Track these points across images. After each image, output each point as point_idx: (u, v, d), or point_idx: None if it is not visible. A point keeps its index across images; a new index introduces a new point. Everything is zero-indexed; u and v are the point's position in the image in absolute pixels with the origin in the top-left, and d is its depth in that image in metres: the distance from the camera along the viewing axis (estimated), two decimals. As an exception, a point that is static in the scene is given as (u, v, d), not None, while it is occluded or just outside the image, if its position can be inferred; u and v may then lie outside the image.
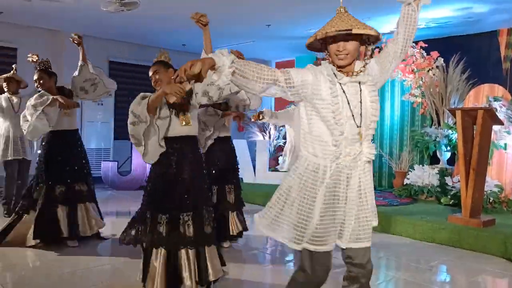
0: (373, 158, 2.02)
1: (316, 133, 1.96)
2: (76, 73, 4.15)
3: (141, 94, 2.81)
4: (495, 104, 5.49)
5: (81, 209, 4.13)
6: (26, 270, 3.45)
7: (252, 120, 4.49)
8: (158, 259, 2.85)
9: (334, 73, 1.96)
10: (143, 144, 2.82)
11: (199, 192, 3.01)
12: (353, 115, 1.94)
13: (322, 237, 1.95)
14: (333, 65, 1.98)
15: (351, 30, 1.86)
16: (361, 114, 1.95)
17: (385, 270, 3.69)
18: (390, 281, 3.46)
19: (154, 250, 2.87)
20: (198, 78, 1.83)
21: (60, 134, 4.09)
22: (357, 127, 1.94)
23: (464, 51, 6.56)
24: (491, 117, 4.55)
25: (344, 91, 1.95)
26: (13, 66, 5.38)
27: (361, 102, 1.96)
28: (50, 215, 3.93)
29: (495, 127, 5.13)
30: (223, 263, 3.10)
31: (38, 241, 3.93)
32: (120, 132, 8.67)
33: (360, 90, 1.98)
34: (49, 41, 7.77)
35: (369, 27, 1.90)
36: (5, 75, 5.26)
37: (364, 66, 1.99)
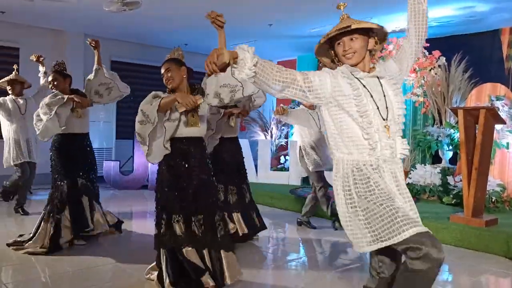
0: (407, 154, 1.98)
1: (346, 131, 1.95)
2: (91, 76, 4.12)
3: (153, 93, 2.79)
4: (497, 103, 5.48)
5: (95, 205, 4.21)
6: (27, 270, 3.45)
7: (273, 115, 4.55)
8: (196, 256, 2.89)
9: (349, 71, 1.97)
10: (147, 144, 2.81)
11: (209, 194, 3.00)
12: (378, 108, 1.92)
13: (408, 219, 1.80)
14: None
15: (350, 26, 1.89)
16: (387, 107, 1.94)
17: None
18: (392, 281, 3.45)
19: (188, 249, 2.89)
20: (225, 68, 1.81)
21: (70, 137, 4.04)
22: (383, 119, 1.92)
23: (466, 50, 6.54)
24: (493, 116, 4.53)
25: (364, 85, 1.95)
26: (14, 66, 5.34)
27: (385, 96, 1.95)
28: (78, 207, 3.98)
29: (497, 126, 5.12)
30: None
31: (71, 236, 3.94)
32: (122, 131, 8.70)
33: (381, 85, 1.97)
34: (51, 41, 7.79)
35: (369, 22, 1.92)
36: (7, 78, 5.22)
37: (373, 67, 2.01)
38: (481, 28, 6.93)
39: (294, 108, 5.20)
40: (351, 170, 1.93)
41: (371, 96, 1.93)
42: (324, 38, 1.98)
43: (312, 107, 4.61)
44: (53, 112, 3.72)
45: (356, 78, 1.96)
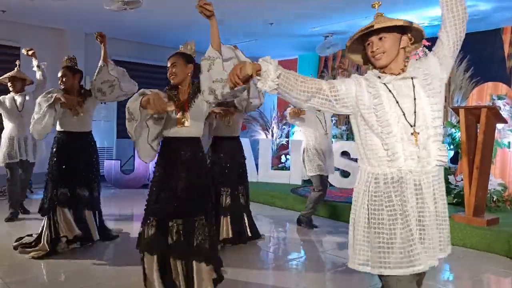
0: (445, 161, 1.81)
1: (368, 142, 1.86)
2: (95, 73, 4.01)
3: (141, 90, 2.73)
4: (499, 103, 5.47)
5: (85, 214, 3.98)
6: (27, 270, 3.45)
7: (291, 115, 4.46)
8: (152, 264, 2.79)
9: (376, 76, 1.88)
10: (135, 141, 2.78)
11: (195, 198, 2.81)
12: (404, 114, 1.81)
13: (404, 257, 1.75)
14: (376, 69, 1.91)
15: (373, 26, 1.81)
16: (415, 112, 1.80)
17: (388, 269, 3.68)
18: (393, 280, 3.44)
19: (147, 254, 2.80)
20: (248, 79, 1.81)
21: (69, 135, 3.97)
22: (411, 126, 1.80)
23: (468, 49, 6.50)
24: (494, 115, 4.53)
25: (390, 90, 1.84)
26: (16, 62, 5.32)
27: (415, 99, 1.81)
28: (53, 216, 3.85)
29: (499, 126, 5.11)
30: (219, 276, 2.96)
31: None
32: (123, 130, 8.63)
33: (414, 86, 1.84)
34: (52, 40, 7.79)
35: (397, 20, 1.81)
36: (8, 74, 5.19)
37: (405, 64, 1.88)
38: (482, 27, 6.90)
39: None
40: (369, 183, 1.86)
41: (397, 102, 1.82)
42: (350, 40, 1.90)
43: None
44: (42, 110, 3.68)
45: (383, 83, 1.85)
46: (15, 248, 3.87)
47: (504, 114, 5.10)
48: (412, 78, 1.85)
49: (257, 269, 3.64)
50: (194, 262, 2.76)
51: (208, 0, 2.67)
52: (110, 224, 4.59)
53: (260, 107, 4.36)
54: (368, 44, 1.88)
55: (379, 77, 1.87)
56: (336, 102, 1.86)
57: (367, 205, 1.85)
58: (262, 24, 7.18)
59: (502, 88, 5.71)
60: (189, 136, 2.82)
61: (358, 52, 2.02)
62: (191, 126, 2.79)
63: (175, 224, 2.76)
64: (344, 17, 6.54)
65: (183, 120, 2.77)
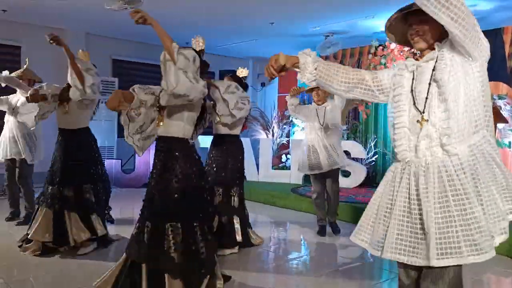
0: (452, 150, 1.65)
1: (390, 134, 1.86)
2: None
3: (132, 86, 2.83)
4: (500, 102, 5.47)
5: (66, 216, 3.79)
6: (28, 269, 3.46)
7: (292, 93, 4.48)
8: (119, 263, 2.78)
9: (405, 65, 1.82)
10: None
11: (169, 200, 2.69)
12: (414, 100, 1.73)
13: (398, 246, 1.73)
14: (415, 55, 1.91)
15: (411, 6, 1.70)
16: (426, 98, 1.70)
17: (388, 268, 3.68)
18: (393, 280, 3.44)
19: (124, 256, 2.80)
20: (282, 70, 1.86)
21: (62, 133, 3.99)
22: (421, 113, 1.70)
23: (468, 49, 6.52)
24: (495, 115, 4.51)
25: (414, 78, 1.77)
26: (26, 60, 5.31)
27: (430, 84, 1.71)
28: (34, 215, 3.87)
29: (500, 126, 5.11)
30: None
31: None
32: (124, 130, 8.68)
33: (434, 70, 1.72)
34: (53, 39, 7.79)
35: None
36: (14, 74, 5.12)
37: (433, 48, 1.77)
38: (483, 26, 6.76)
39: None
40: (388, 174, 1.86)
41: (412, 90, 1.75)
42: (389, 21, 1.82)
43: (321, 100, 4.52)
44: (26, 103, 3.82)
45: (411, 71, 1.78)
46: (20, 247, 3.88)
47: (504, 113, 5.10)
48: (437, 59, 1.72)
49: (257, 268, 3.64)
50: (166, 275, 2.61)
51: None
52: (111, 224, 4.58)
53: (249, 112, 4.30)
54: (410, 25, 1.80)
55: (406, 65, 1.82)
56: (379, 92, 1.87)
57: (381, 194, 1.87)
58: (262, 24, 7.18)
59: (503, 87, 5.71)
60: (167, 136, 2.79)
61: (398, 32, 1.93)
62: (165, 126, 2.78)
63: (147, 227, 2.70)
64: (344, 17, 6.53)
65: (160, 119, 2.80)
